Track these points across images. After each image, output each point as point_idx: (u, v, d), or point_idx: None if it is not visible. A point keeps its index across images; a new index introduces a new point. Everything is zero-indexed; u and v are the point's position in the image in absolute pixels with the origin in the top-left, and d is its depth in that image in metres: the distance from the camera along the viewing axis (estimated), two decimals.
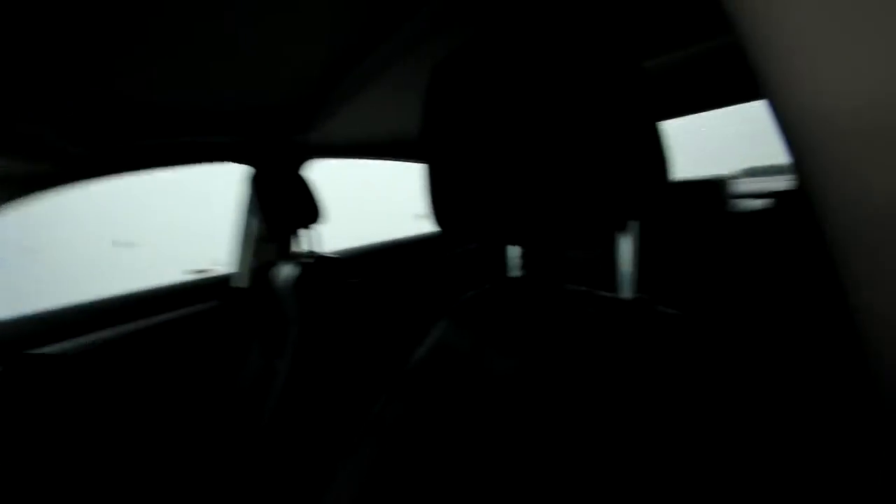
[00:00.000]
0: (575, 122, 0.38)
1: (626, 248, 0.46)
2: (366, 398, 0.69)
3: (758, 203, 1.59)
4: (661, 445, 0.36)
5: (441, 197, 0.52)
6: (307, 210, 1.24)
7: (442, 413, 0.56)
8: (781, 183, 1.54)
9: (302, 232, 1.37)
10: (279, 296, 1.23)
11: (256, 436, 1.07)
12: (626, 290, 0.47)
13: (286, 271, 1.23)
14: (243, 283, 1.61)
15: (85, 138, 1.07)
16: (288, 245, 1.61)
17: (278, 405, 1.05)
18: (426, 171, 0.53)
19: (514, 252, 0.64)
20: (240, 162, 1.44)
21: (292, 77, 1.00)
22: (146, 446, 1.29)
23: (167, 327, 1.44)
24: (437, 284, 2.07)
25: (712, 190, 1.58)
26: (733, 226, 1.56)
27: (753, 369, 0.38)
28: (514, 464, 0.46)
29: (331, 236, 1.73)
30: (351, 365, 1.17)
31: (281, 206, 1.21)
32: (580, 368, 0.44)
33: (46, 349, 1.18)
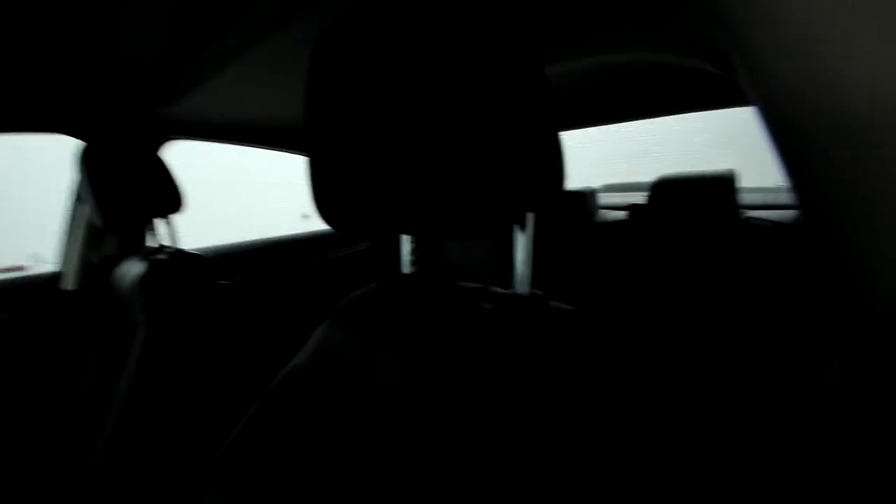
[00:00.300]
0: (472, 106, 0.36)
1: (522, 244, 0.46)
2: (231, 420, 0.60)
3: (617, 214, 1.81)
4: (553, 440, 0.36)
5: (326, 185, 0.46)
6: (162, 197, 1.05)
7: (321, 425, 0.50)
8: (636, 198, 1.77)
9: (158, 224, 1.16)
10: (122, 299, 1.02)
11: (89, 464, 0.86)
12: (521, 286, 0.47)
13: (133, 270, 1.03)
14: (74, 282, 1.31)
15: None
16: (138, 239, 1.36)
17: (115, 432, 0.86)
18: (310, 156, 0.47)
19: (406, 248, 0.61)
20: (71, 133, 1.17)
21: (146, 31, 0.83)
22: None
23: None
24: (324, 288, 1.94)
25: (581, 200, 1.75)
26: (598, 233, 1.75)
27: (641, 365, 0.40)
28: (403, 473, 0.42)
29: (201, 234, 1.51)
30: (214, 382, 1.01)
31: (124, 191, 1.00)
32: (474, 366, 0.43)
33: None
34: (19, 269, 1.57)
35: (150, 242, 1.19)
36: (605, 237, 1.71)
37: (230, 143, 1.54)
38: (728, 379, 1.18)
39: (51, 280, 1.31)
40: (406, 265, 0.61)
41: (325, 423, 0.50)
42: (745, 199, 1.46)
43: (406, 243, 0.61)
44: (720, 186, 1.44)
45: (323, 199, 0.47)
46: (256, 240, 1.83)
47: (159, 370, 0.89)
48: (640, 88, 1.34)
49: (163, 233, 1.13)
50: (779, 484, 0.90)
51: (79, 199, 1.28)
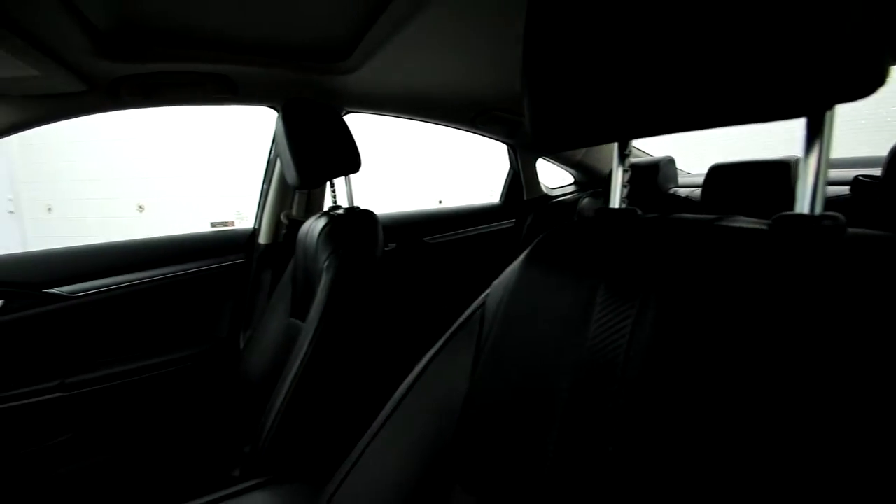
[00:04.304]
0: None
1: (815, 151, 0.34)
2: (408, 363, 0.60)
3: (835, 190, 1.46)
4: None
5: (548, 102, 0.42)
6: (344, 158, 1.13)
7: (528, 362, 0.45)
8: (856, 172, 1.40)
9: (337, 185, 1.27)
10: (308, 250, 1.13)
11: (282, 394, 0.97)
12: (805, 205, 0.35)
13: (318, 224, 1.13)
14: (268, 237, 1.52)
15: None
16: (321, 197, 1.52)
17: (305, 368, 0.94)
18: (527, 73, 0.43)
19: (618, 178, 0.52)
20: (268, 102, 1.34)
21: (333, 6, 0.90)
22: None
23: (183, 283, 1.37)
24: (472, 261, 1.96)
25: (784, 172, 1.44)
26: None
27: None
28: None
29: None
30: (386, 329, 1.07)
31: (315, 153, 1.09)
32: (744, 298, 0.33)
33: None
34: (228, 223, 1.90)
35: (329, 201, 1.31)
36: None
37: (398, 116, 1.63)
38: None
39: (253, 234, 1.54)
40: (617, 199, 0.52)
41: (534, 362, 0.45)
42: None
43: (619, 172, 0.52)
44: None
45: (546, 116, 0.43)
46: (407, 212, 1.91)
47: (341, 313, 0.96)
48: None
49: (343, 192, 1.24)
50: None
51: (272, 162, 1.48)
